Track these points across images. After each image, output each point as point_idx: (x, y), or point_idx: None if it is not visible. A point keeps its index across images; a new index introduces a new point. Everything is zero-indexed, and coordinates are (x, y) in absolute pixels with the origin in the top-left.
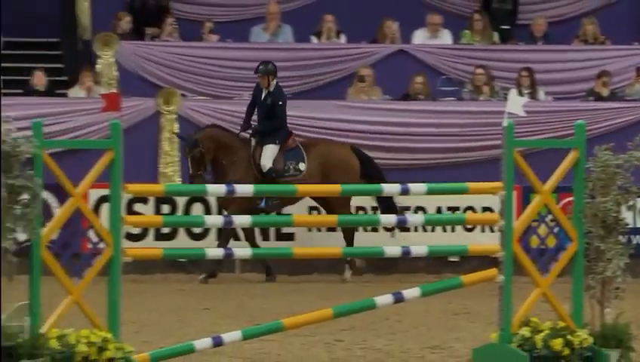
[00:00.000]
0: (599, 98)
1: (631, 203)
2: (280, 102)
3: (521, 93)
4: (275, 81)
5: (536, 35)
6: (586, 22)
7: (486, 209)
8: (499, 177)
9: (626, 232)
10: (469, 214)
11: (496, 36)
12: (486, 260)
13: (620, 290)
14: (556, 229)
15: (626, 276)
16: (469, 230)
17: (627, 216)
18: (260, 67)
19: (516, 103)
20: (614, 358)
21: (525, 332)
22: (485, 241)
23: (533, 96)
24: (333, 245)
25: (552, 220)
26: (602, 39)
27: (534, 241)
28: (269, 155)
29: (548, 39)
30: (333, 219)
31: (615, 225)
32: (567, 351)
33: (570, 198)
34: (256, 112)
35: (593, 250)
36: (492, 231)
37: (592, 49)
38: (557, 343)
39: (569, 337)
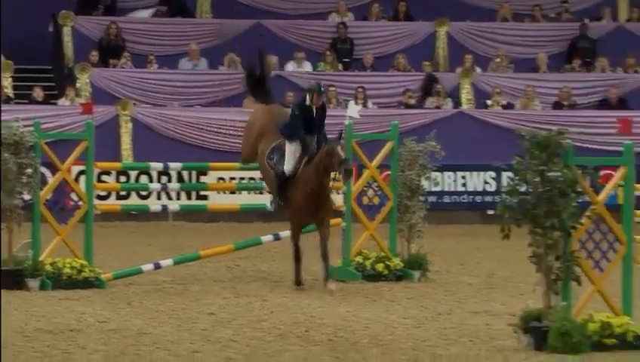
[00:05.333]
0: (407, 106)
1: (427, 175)
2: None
3: (357, 103)
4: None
5: (366, 66)
6: (399, 57)
7: None
8: None
9: (424, 194)
10: None
11: (340, 66)
12: (335, 212)
13: (420, 232)
14: (379, 192)
15: (424, 223)
16: None
17: (425, 184)
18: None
19: (354, 110)
20: (417, 276)
21: (359, 259)
22: (335, 200)
23: (364, 105)
24: (231, 203)
25: (376, 186)
26: (409, 68)
27: (365, 200)
28: None
29: (374, 68)
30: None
31: (417, 190)
32: (386, 272)
33: (388, 172)
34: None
35: (403, 206)
36: (338, 193)
37: (402, 74)
38: (380, 266)
39: (387, 262)
